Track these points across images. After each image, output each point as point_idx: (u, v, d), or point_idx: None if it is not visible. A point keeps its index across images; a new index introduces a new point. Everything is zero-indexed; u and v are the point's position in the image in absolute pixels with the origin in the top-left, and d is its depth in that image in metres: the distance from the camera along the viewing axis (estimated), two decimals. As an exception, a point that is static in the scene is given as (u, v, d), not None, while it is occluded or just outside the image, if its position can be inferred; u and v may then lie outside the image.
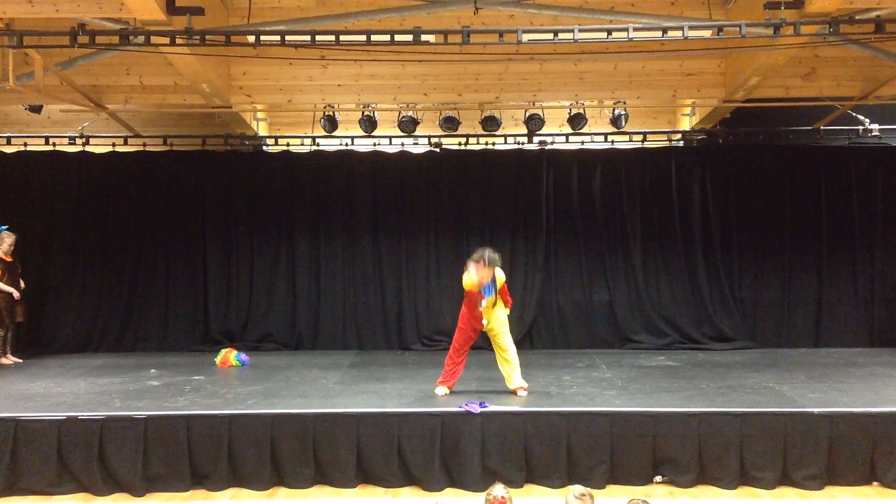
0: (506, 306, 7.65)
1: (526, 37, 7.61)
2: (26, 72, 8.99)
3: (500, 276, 7.51)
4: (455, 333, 7.63)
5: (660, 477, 6.61)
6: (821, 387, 7.91)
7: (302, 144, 11.63)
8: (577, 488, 4.55)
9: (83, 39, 7.49)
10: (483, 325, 7.51)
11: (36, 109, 10.52)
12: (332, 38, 7.59)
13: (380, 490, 6.54)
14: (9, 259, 9.88)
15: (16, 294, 9.80)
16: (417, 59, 8.23)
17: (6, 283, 9.76)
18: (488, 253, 7.32)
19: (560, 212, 11.49)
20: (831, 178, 11.37)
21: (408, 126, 10.69)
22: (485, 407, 6.84)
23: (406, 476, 6.59)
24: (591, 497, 4.42)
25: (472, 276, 7.26)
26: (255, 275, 11.45)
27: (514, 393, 7.49)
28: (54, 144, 11.43)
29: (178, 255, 11.43)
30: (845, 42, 8.30)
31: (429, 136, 11.45)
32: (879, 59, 9.28)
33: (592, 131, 11.30)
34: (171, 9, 7.37)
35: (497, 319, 7.54)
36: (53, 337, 11.15)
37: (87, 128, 11.39)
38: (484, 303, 7.41)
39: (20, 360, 9.98)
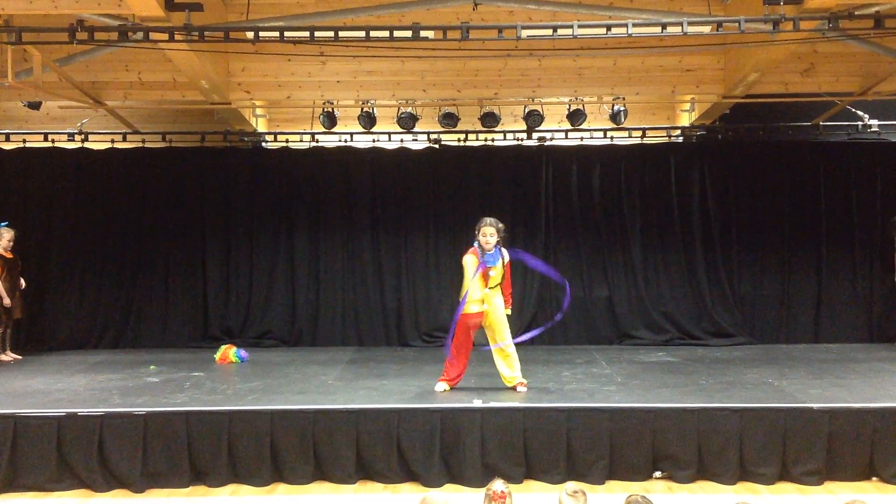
0: (506, 295, 7.51)
1: (525, 33, 7.59)
2: (25, 68, 8.98)
3: (506, 254, 7.45)
4: (455, 330, 7.62)
5: (659, 472, 6.61)
6: (820, 382, 7.92)
7: (301, 141, 11.63)
8: (570, 485, 4.50)
9: (82, 36, 7.47)
10: (484, 311, 7.34)
11: (35, 106, 10.51)
12: (331, 34, 7.59)
13: (379, 486, 6.54)
14: (9, 255, 9.86)
15: (6, 301, 9.69)
16: (416, 55, 8.24)
17: (6, 280, 9.75)
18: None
19: (559, 208, 11.49)
20: (830, 173, 11.38)
21: (407, 122, 10.68)
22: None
23: (405, 472, 6.59)
24: (584, 494, 4.38)
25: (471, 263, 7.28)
26: (255, 271, 11.46)
27: (513, 389, 7.48)
28: (53, 141, 11.41)
29: (177, 251, 11.43)
30: (844, 38, 8.30)
31: (428, 133, 11.45)
32: (879, 55, 9.28)
33: (591, 127, 11.30)
34: (170, 5, 7.36)
35: (496, 309, 7.42)
36: (53, 333, 11.16)
37: (86, 124, 11.38)
38: (493, 272, 7.29)
39: (19, 357, 9.97)
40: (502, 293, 7.51)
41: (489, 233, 7.30)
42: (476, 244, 7.35)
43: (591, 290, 11.41)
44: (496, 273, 7.35)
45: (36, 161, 11.39)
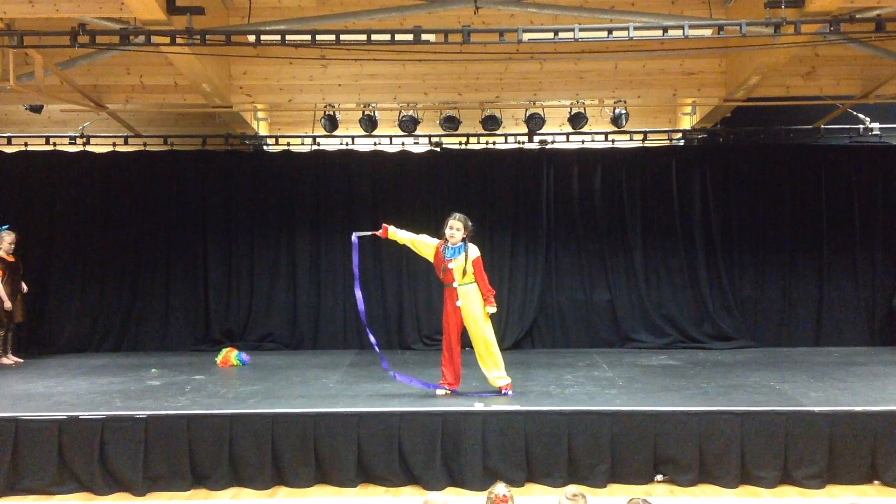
0: (484, 293, 7.35)
1: (526, 36, 7.61)
2: (27, 72, 8.99)
3: (474, 250, 7.37)
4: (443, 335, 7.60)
5: (660, 476, 6.61)
6: (821, 386, 7.91)
7: (302, 144, 11.64)
8: (570, 489, 4.51)
9: (83, 39, 7.49)
10: (459, 308, 7.30)
11: (36, 109, 10.53)
12: (333, 37, 7.60)
13: (380, 489, 6.54)
14: (10, 259, 9.87)
15: (7, 305, 9.67)
16: (418, 58, 8.23)
17: (6, 284, 9.75)
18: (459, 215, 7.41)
19: (560, 211, 11.49)
20: (832, 176, 11.37)
21: (408, 125, 10.69)
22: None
23: (407, 475, 6.59)
24: (584, 498, 4.39)
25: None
26: (256, 274, 11.46)
27: (499, 391, 7.42)
28: (55, 144, 11.43)
29: (178, 254, 11.44)
30: (846, 41, 8.30)
31: (429, 136, 11.46)
32: (880, 58, 9.29)
33: (593, 131, 11.30)
34: (172, 8, 7.37)
35: (469, 305, 7.33)
36: (54, 337, 11.16)
37: (88, 128, 11.40)
38: (452, 265, 7.27)
39: (21, 360, 9.97)
40: (480, 291, 7.38)
41: (455, 226, 7.33)
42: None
43: (592, 294, 11.41)
44: (456, 266, 7.30)
45: (37, 164, 11.40)
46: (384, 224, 7.54)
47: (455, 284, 7.33)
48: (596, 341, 11.20)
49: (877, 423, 6.56)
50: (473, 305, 7.36)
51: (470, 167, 11.50)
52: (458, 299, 7.33)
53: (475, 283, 7.37)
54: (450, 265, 7.31)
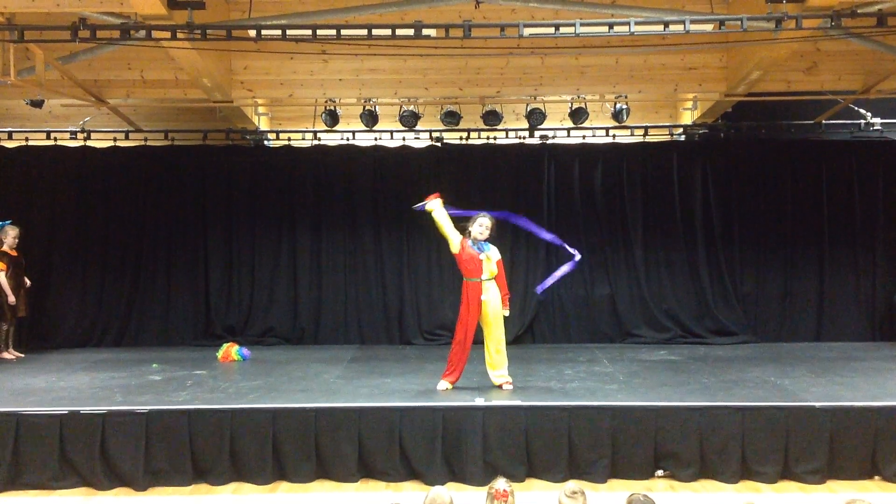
0: (503, 298, 7.49)
1: (527, 31, 7.59)
2: (27, 66, 8.96)
3: (495, 250, 7.49)
4: (456, 326, 7.60)
5: (661, 471, 6.61)
6: (822, 381, 7.91)
7: (303, 139, 11.64)
8: (569, 486, 4.48)
9: (84, 34, 7.47)
10: (482, 303, 7.35)
11: (37, 104, 10.51)
12: (333, 32, 7.59)
13: (381, 484, 6.54)
14: (14, 253, 9.88)
15: (10, 299, 9.69)
16: (419, 53, 8.23)
17: (10, 278, 9.76)
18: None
19: (561, 206, 11.49)
20: (833, 172, 11.37)
21: (409, 120, 10.67)
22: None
23: (407, 470, 6.60)
24: (584, 494, 4.36)
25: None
26: (257, 269, 11.47)
27: (499, 388, 7.48)
28: (55, 139, 11.43)
29: (179, 249, 11.46)
30: (847, 36, 8.29)
31: (430, 131, 11.44)
32: (881, 53, 9.25)
33: (594, 126, 11.29)
34: (172, 3, 7.36)
35: (491, 302, 7.41)
36: (55, 331, 11.18)
37: (89, 122, 11.40)
38: (482, 256, 7.35)
39: (22, 355, 9.99)
40: (500, 292, 7.50)
41: (485, 225, 7.41)
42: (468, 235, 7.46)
43: (593, 289, 11.41)
44: (486, 259, 7.39)
45: (38, 159, 11.41)
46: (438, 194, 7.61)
47: (483, 278, 7.39)
48: (596, 336, 11.21)
49: (877, 419, 6.56)
50: (496, 301, 7.45)
51: (471, 162, 11.50)
52: (482, 294, 7.38)
53: (495, 281, 7.48)
54: (480, 256, 7.37)
